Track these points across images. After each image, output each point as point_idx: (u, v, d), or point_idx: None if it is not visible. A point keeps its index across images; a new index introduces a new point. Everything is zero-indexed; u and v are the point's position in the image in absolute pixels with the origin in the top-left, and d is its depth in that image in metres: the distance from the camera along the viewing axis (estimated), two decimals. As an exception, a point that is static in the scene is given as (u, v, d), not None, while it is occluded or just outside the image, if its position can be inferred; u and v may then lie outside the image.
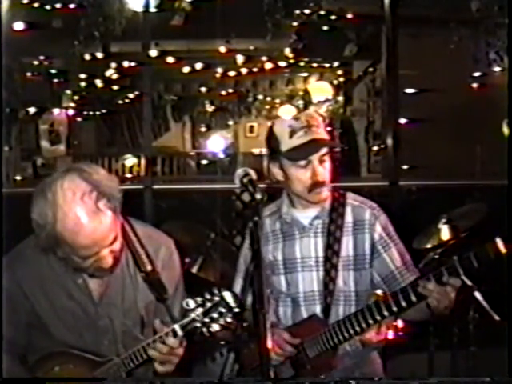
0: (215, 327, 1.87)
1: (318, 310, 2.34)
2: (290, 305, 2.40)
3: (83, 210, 1.83)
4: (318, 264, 2.35)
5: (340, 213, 2.36)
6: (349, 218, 2.37)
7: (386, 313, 2.14)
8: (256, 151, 11.60)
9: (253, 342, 2.20)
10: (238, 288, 2.50)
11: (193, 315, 1.87)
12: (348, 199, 2.41)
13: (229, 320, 1.87)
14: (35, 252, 2.00)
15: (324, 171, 2.31)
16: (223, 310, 1.86)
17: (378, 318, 2.16)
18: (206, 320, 1.86)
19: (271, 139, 2.39)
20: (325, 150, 2.30)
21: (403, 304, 2.09)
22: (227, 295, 1.87)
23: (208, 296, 1.87)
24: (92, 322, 2.06)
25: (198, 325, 1.87)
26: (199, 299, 1.87)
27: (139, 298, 2.09)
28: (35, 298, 2.05)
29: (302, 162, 2.29)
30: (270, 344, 1.75)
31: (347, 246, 2.34)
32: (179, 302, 2.08)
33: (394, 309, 2.12)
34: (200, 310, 1.86)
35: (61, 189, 1.83)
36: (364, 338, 2.27)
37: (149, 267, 2.06)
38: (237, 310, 1.87)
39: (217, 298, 1.87)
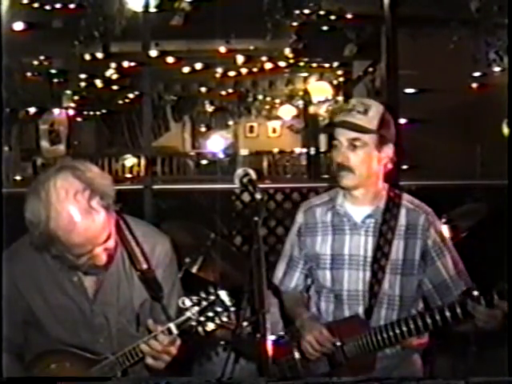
0: (211, 326, 1.86)
1: (360, 310, 2.29)
2: (332, 301, 2.35)
3: (76, 209, 1.81)
4: (365, 264, 2.29)
5: (394, 214, 2.29)
6: (402, 220, 2.29)
7: (430, 325, 2.12)
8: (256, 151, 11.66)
9: (252, 341, 2.21)
10: (280, 272, 2.49)
11: (188, 314, 1.85)
12: (403, 201, 2.33)
13: (224, 319, 1.85)
14: (30, 250, 1.98)
15: (353, 156, 2.23)
16: (219, 309, 1.85)
17: (422, 329, 2.14)
18: (202, 319, 1.85)
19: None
20: (355, 134, 2.22)
21: (449, 319, 2.09)
22: (223, 294, 1.86)
23: (204, 295, 1.86)
24: (87, 319, 2.05)
25: (194, 324, 1.86)
26: (195, 298, 1.86)
27: (135, 295, 2.07)
28: (30, 296, 2.03)
29: (336, 141, 2.27)
30: (269, 345, 1.73)
31: (397, 250, 2.27)
32: (176, 301, 2.03)
33: (439, 323, 2.10)
34: (196, 308, 1.85)
35: (54, 187, 1.82)
36: (404, 341, 2.23)
37: (144, 265, 2.04)
38: (232, 308, 1.85)
39: (212, 297, 1.85)
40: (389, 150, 2.27)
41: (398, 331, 2.17)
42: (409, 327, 2.16)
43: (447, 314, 2.09)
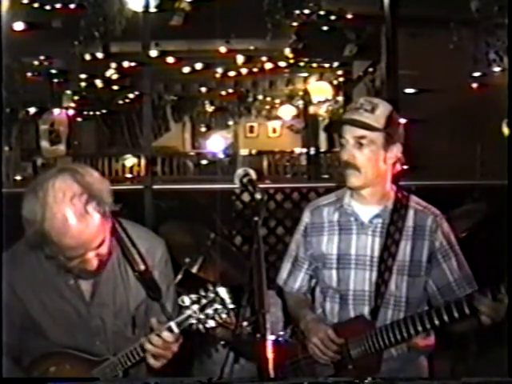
0: (211, 323, 1.85)
1: (366, 310, 2.27)
2: (337, 301, 2.33)
3: (71, 212, 1.82)
4: (372, 264, 2.27)
5: (401, 215, 2.28)
6: (410, 221, 2.28)
7: (437, 322, 2.08)
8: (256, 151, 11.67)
9: (252, 341, 2.20)
10: (284, 273, 2.48)
11: (188, 312, 1.85)
12: (411, 202, 2.31)
13: (224, 316, 1.85)
14: (27, 254, 2.00)
15: (359, 154, 2.21)
16: (218, 306, 1.84)
17: (428, 326, 2.11)
18: (202, 317, 1.85)
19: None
20: (362, 132, 2.20)
21: (455, 315, 2.04)
22: (222, 291, 1.85)
23: (203, 293, 1.85)
24: (84, 322, 2.05)
25: (194, 321, 1.86)
26: (194, 296, 1.86)
27: (131, 298, 2.08)
28: (28, 300, 2.04)
29: (343, 140, 2.25)
30: (269, 345, 1.72)
31: (404, 251, 2.26)
32: (171, 302, 2.09)
33: (446, 319, 2.07)
34: (195, 306, 1.85)
35: (52, 188, 1.83)
36: (410, 342, 2.21)
37: (142, 266, 2.05)
38: (232, 306, 1.85)
39: (212, 295, 1.85)
40: (396, 150, 2.26)
41: (404, 329, 2.14)
42: (415, 325, 2.12)
43: (453, 309, 2.05)
